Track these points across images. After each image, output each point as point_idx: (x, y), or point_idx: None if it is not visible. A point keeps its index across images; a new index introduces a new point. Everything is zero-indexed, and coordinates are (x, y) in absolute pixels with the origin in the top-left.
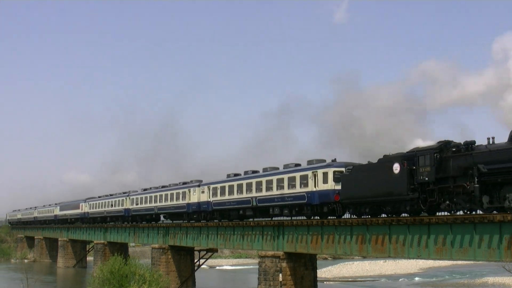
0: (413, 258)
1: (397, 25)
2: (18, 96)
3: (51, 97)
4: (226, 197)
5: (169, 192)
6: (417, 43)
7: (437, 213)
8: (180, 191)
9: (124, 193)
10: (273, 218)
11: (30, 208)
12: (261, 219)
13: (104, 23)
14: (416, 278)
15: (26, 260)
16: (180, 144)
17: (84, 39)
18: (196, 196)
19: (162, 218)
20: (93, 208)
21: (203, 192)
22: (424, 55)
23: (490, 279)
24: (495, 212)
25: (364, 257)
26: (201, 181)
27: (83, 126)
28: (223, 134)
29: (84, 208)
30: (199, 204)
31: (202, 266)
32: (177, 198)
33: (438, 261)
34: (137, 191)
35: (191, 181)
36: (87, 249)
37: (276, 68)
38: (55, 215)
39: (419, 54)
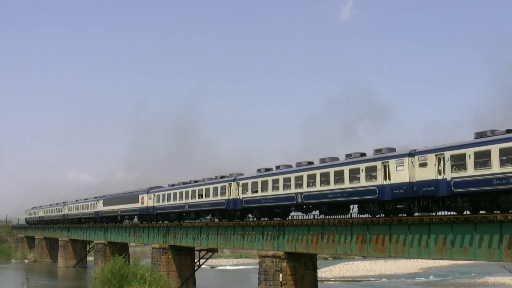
0: (414, 258)
1: (402, 22)
2: (23, 94)
3: (58, 94)
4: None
5: (331, 170)
6: (421, 40)
7: (438, 213)
8: (361, 166)
9: (222, 177)
10: None
11: (57, 204)
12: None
13: (112, 17)
14: (417, 278)
15: (26, 260)
16: (203, 140)
17: (91, 34)
18: (403, 173)
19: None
20: (163, 201)
21: (423, 164)
22: (427, 53)
23: (491, 279)
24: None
25: (365, 257)
26: (394, 149)
27: (91, 125)
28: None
29: (148, 202)
30: (410, 185)
31: (203, 266)
32: (354, 179)
33: (439, 261)
34: (242, 174)
35: (381, 150)
36: (88, 249)
37: (278, 66)
38: (96, 212)
39: (422, 51)
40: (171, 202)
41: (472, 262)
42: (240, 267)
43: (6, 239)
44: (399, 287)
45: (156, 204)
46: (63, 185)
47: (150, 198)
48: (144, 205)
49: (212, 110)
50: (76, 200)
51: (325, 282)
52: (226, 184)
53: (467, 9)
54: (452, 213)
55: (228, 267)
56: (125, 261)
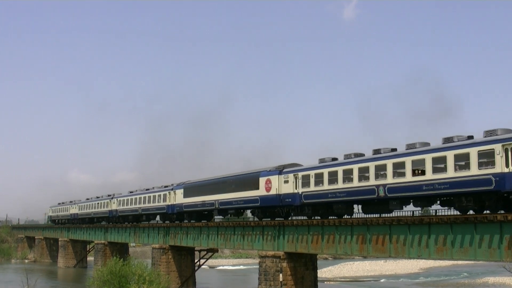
0: (414, 258)
1: (405, 22)
2: (25, 93)
3: (60, 91)
4: None
5: None
6: (425, 39)
7: (438, 213)
8: None
9: (469, 137)
10: None
11: (98, 197)
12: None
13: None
14: (417, 278)
15: (26, 260)
16: (218, 136)
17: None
18: None
19: None
20: (316, 185)
21: None
22: (431, 52)
23: (491, 279)
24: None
25: (365, 257)
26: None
27: (97, 123)
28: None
29: (281, 187)
30: None
31: (203, 266)
32: None
33: (439, 261)
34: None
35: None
36: (88, 249)
37: (284, 68)
38: (171, 206)
39: (426, 51)
40: (337, 186)
41: (472, 262)
42: (240, 267)
43: (6, 239)
44: (399, 287)
45: (301, 190)
46: (66, 185)
47: (285, 181)
48: (273, 192)
49: (230, 108)
50: (130, 192)
51: (325, 282)
52: (497, 146)
53: (466, 7)
54: (452, 213)
55: (228, 267)
56: (124, 261)
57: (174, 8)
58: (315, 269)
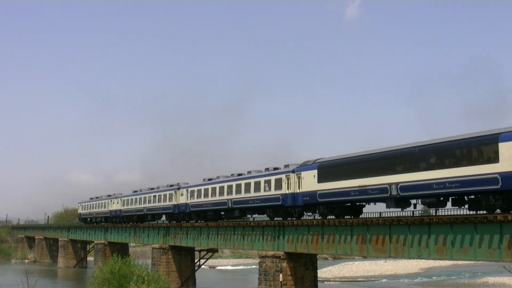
0: (414, 258)
1: (408, 20)
2: (32, 91)
3: (63, 87)
4: None
5: None
6: (428, 39)
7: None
8: None
9: None
10: None
11: (152, 189)
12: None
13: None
14: (417, 278)
15: (26, 260)
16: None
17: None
18: None
19: None
20: None
21: None
22: (433, 52)
23: (491, 279)
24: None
25: (365, 257)
26: None
27: (100, 123)
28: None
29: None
30: None
31: (203, 266)
32: None
33: (439, 261)
34: None
35: None
36: (88, 249)
37: (287, 69)
38: (291, 195)
39: (429, 50)
40: None
41: (472, 262)
42: (240, 267)
43: (6, 239)
44: (399, 287)
45: None
46: (67, 185)
47: None
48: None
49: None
50: (209, 179)
51: (325, 282)
52: None
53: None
54: (452, 213)
55: (228, 267)
56: (123, 259)
57: (174, 8)
58: (315, 269)
